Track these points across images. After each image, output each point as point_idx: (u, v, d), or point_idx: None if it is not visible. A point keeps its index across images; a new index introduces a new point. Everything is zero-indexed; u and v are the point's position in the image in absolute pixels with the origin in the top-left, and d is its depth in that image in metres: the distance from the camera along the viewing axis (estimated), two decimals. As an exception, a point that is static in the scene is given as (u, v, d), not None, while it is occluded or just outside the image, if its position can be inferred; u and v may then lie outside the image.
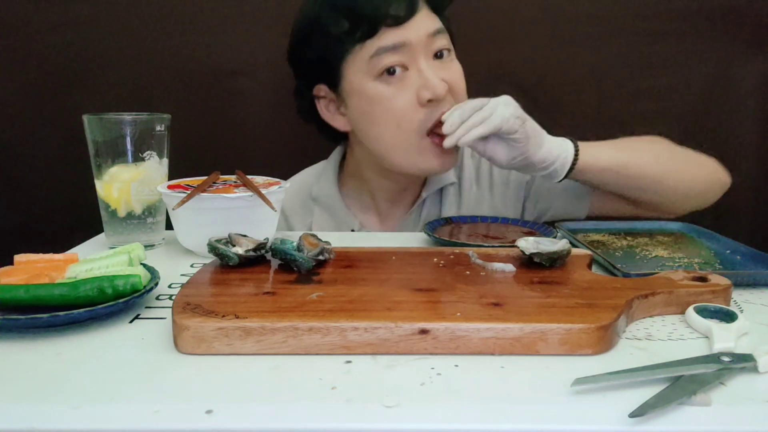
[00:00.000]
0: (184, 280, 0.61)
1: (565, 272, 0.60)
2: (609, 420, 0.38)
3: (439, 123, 0.81)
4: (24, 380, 0.43)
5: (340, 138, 0.98)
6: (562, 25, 1.21)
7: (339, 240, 0.70)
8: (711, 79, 1.22)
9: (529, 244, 0.63)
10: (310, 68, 0.90)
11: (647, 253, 0.74)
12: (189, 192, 0.70)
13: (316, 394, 0.41)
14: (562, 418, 0.38)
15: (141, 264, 0.60)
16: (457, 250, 0.68)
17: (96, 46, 1.21)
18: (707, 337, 0.50)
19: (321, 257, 0.61)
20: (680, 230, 0.86)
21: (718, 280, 0.57)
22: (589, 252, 0.67)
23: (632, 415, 0.37)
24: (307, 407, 0.39)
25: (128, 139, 0.75)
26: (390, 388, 0.41)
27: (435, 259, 0.64)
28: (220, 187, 0.73)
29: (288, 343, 0.46)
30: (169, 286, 0.63)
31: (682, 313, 0.54)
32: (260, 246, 0.62)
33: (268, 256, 0.63)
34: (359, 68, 0.84)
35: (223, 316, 0.47)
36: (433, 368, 0.44)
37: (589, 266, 0.64)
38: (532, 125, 0.77)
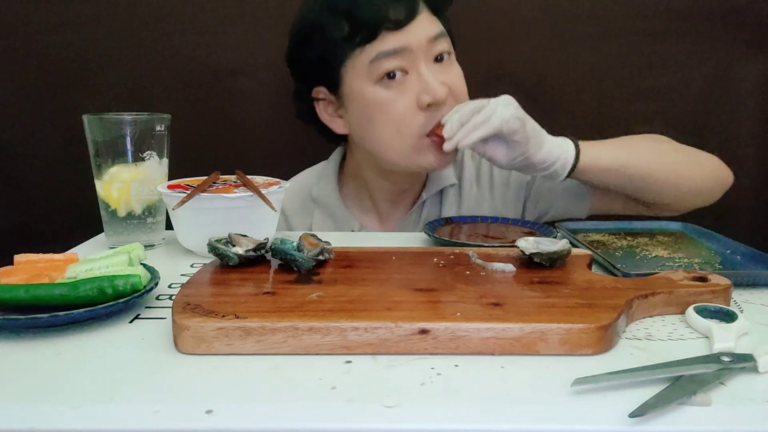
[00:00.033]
0: (184, 280, 0.61)
1: (565, 272, 0.60)
2: (609, 420, 0.38)
3: (440, 125, 0.81)
4: (24, 380, 0.43)
5: (340, 139, 0.98)
6: (562, 25, 1.21)
7: (339, 240, 0.70)
8: (711, 79, 1.22)
9: (529, 244, 0.63)
10: (310, 71, 0.90)
11: (647, 253, 0.74)
12: (189, 192, 0.70)
13: (316, 394, 0.41)
14: (562, 418, 0.38)
15: (141, 264, 0.60)
16: (457, 250, 0.68)
17: (96, 46, 1.21)
18: (707, 337, 0.50)
19: (321, 257, 0.61)
20: (680, 230, 0.86)
21: (718, 280, 0.57)
22: (589, 252, 0.67)
23: (632, 415, 0.37)
24: (307, 407, 0.39)
25: (128, 139, 0.75)
26: (390, 388, 0.41)
27: (435, 259, 0.64)
28: (220, 187, 0.73)
29: (288, 343, 0.46)
30: (169, 286, 0.63)
31: (682, 313, 0.54)
32: (260, 246, 0.62)
33: (268, 256, 0.63)
34: (359, 72, 0.84)
35: (223, 316, 0.47)
36: (433, 368, 0.44)
37: (589, 266, 0.64)
38: (532, 126, 0.76)
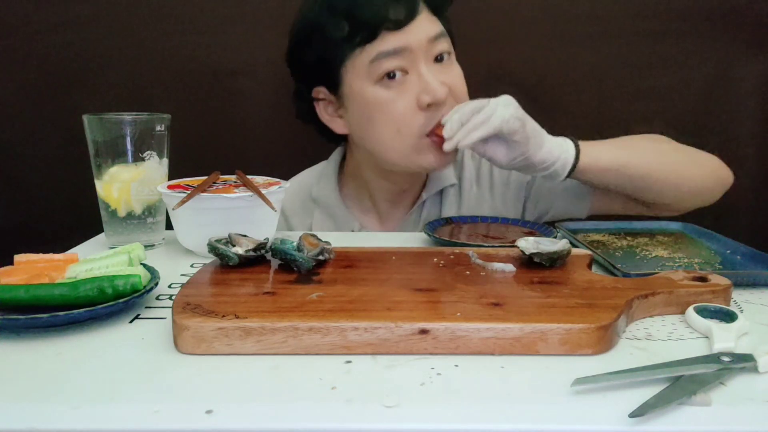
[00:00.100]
0: (184, 280, 0.61)
1: (565, 272, 0.60)
2: (609, 420, 0.38)
3: (440, 125, 0.81)
4: (24, 380, 0.43)
5: (340, 139, 0.98)
6: (562, 25, 1.21)
7: (339, 240, 0.70)
8: (711, 79, 1.22)
9: (529, 244, 0.63)
10: (309, 71, 0.90)
11: (647, 253, 0.74)
12: (189, 192, 0.70)
13: (316, 394, 0.41)
14: (562, 418, 0.38)
15: (141, 264, 0.60)
16: (457, 250, 0.68)
17: (96, 46, 1.21)
18: (707, 337, 0.50)
19: (321, 257, 0.61)
20: (680, 230, 0.86)
21: (718, 280, 0.57)
22: (589, 252, 0.67)
23: (632, 415, 0.37)
24: (307, 407, 0.39)
25: (128, 139, 0.75)
26: (390, 388, 0.41)
27: (435, 259, 0.64)
28: (220, 187, 0.73)
29: (288, 343, 0.46)
30: (169, 286, 0.63)
31: (682, 313, 0.54)
32: (260, 246, 0.62)
33: (268, 256, 0.63)
34: (359, 72, 0.83)
35: (223, 316, 0.47)
36: (433, 368, 0.44)
37: (589, 266, 0.64)
38: (532, 126, 0.76)
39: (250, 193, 0.70)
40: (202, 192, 0.70)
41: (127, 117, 0.75)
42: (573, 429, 0.37)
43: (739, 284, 0.61)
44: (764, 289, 0.62)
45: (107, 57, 1.22)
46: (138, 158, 0.76)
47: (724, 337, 0.48)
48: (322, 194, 1.01)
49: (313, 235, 0.64)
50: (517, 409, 0.39)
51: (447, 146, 0.77)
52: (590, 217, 0.94)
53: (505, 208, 0.99)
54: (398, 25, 0.80)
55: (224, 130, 1.26)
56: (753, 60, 1.21)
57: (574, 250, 0.65)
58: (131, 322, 0.53)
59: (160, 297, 0.59)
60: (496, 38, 1.20)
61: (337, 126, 0.92)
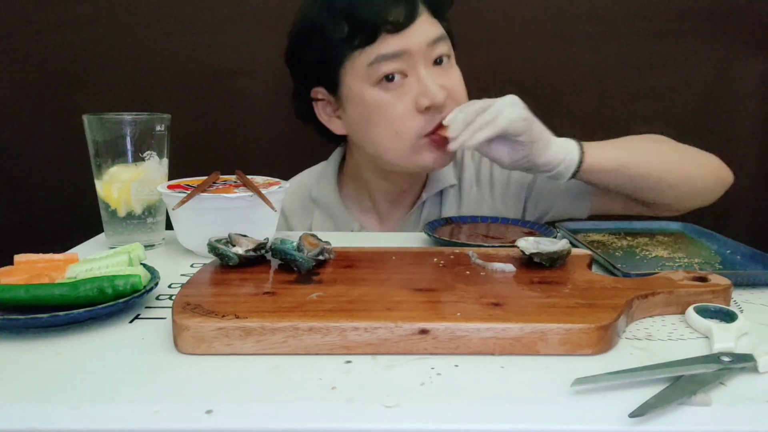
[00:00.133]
0: (184, 280, 0.61)
1: (565, 272, 0.60)
2: (609, 420, 0.38)
3: (441, 126, 0.80)
4: (24, 380, 0.43)
5: (340, 139, 0.98)
6: (562, 25, 1.21)
7: (339, 240, 0.70)
8: (711, 79, 1.22)
9: (529, 244, 0.63)
10: (309, 71, 0.90)
11: (647, 253, 0.74)
12: (189, 192, 0.70)
13: (316, 394, 0.41)
14: (562, 418, 0.38)
15: (141, 264, 0.60)
16: (457, 250, 0.68)
17: (96, 46, 1.21)
18: (707, 337, 0.50)
19: (321, 257, 0.61)
20: (680, 230, 0.86)
21: (718, 280, 0.57)
22: (589, 252, 0.67)
23: (632, 415, 0.37)
24: (307, 407, 0.39)
25: (128, 139, 0.75)
26: (390, 388, 0.41)
27: (435, 259, 0.64)
28: (220, 187, 0.73)
29: (288, 343, 0.46)
30: (169, 286, 0.63)
31: (682, 313, 0.54)
32: (260, 246, 0.62)
33: (268, 256, 0.63)
34: (358, 74, 0.83)
35: (223, 316, 0.47)
36: (433, 368, 0.44)
37: (589, 266, 0.64)
38: (538, 128, 0.76)
39: (250, 193, 0.70)
40: (202, 192, 0.70)
41: (127, 117, 0.75)
42: (573, 429, 0.37)
43: (739, 284, 0.61)
44: (764, 289, 0.62)
45: (107, 57, 1.22)
46: (138, 158, 0.76)
47: (724, 337, 0.48)
48: (321, 194, 1.01)
49: (313, 235, 0.64)
50: (517, 409, 0.39)
51: (452, 146, 0.77)
52: (590, 217, 0.94)
53: (505, 209, 0.99)
54: (398, 27, 0.80)
55: (224, 130, 1.26)
56: (753, 60, 1.21)
57: (574, 250, 0.65)
58: (131, 322, 0.53)
59: (160, 297, 0.59)
60: (496, 38, 1.20)
61: (336, 126, 0.92)
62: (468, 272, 0.60)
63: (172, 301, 0.55)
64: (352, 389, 0.41)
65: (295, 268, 0.60)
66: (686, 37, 1.20)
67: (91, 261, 0.58)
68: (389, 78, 0.82)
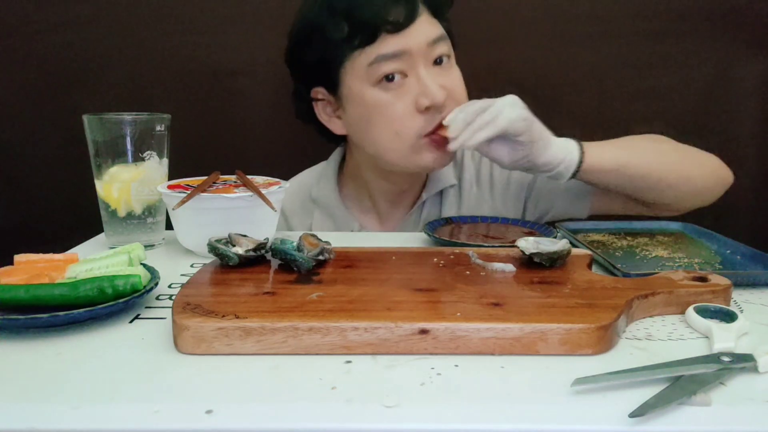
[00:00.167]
0: (184, 280, 0.61)
1: (565, 272, 0.60)
2: (609, 420, 0.38)
3: (441, 126, 0.80)
4: (24, 380, 0.43)
5: (340, 139, 0.98)
6: (562, 25, 1.21)
7: (339, 240, 0.70)
8: (711, 79, 1.22)
9: (529, 244, 0.63)
10: (309, 71, 0.90)
11: (647, 253, 0.74)
12: (189, 192, 0.70)
13: (316, 394, 0.41)
14: (562, 418, 0.38)
15: (141, 264, 0.60)
16: (457, 250, 0.68)
17: (96, 46, 1.21)
18: (707, 337, 0.50)
19: (321, 257, 0.61)
20: (680, 230, 0.86)
21: (718, 280, 0.57)
22: (589, 252, 0.67)
23: (632, 415, 0.37)
24: (307, 407, 0.39)
25: (128, 139, 0.75)
26: (390, 388, 0.41)
27: (435, 259, 0.64)
28: (220, 187, 0.73)
29: (288, 343, 0.46)
30: (169, 286, 0.63)
31: (682, 313, 0.54)
32: (260, 246, 0.62)
33: (268, 256, 0.63)
34: (358, 74, 0.83)
35: (223, 316, 0.47)
36: (433, 368, 0.44)
37: (589, 266, 0.64)
38: (539, 128, 0.76)
39: (250, 193, 0.70)
40: (202, 192, 0.70)
41: (127, 117, 0.75)
42: (573, 429, 0.37)
43: (739, 284, 0.61)
44: (764, 289, 0.62)
45: (107, 57, 1.22)
46: (138, 158, 0.76)
47: (724, 337, 0.48)
48: (321, 194, 1.01)
49: (313, 235, 0.64)
50: (517, 409, 0.39)
51: (452, 146, 0.77)
52: (590, 217, 0.94)
53: (505, 209, 0.99)
54: (398, 27, 0.80)
55: (224, 130, 1.26)
56: (753, 60, 1.21)
57: (574, 250, 0.65)
58: (131, 322, 0.53)
59: (160, 297, 0.59)
60: (496, 38, 1.20)
61: (336, 126, 0.92)
62: (468, 272, 0.60)
63: (172, 301, 0.55)
64: (352, 389, 0.41)
65: (295, 268, 0.60)
66: (686, 37, 1.20)
67: (91, 261, 0.58)
68: (389, 78, 0.82)
